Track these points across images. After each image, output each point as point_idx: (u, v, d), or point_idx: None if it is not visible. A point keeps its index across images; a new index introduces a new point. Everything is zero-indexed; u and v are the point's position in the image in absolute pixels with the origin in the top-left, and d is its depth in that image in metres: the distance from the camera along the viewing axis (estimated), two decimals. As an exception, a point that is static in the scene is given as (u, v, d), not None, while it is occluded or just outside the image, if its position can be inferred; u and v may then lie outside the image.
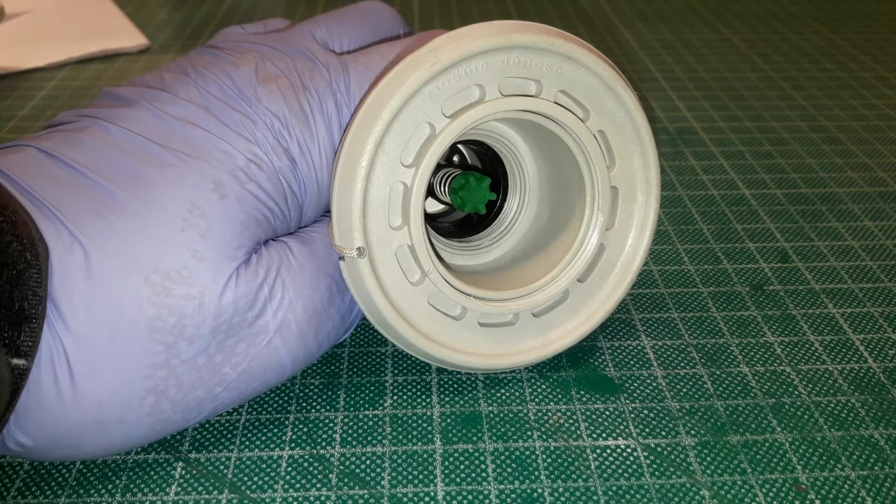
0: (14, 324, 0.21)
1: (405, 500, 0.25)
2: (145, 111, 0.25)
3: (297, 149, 0.26)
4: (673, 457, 0.27)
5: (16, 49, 0.63)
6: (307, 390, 0.29)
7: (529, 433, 0.28)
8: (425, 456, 0.27)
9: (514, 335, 0.29)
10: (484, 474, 0.26)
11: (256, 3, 0.79)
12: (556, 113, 0.27)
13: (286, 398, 0.29)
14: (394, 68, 0.25)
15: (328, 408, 0.29)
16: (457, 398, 0.29)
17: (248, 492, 0.25)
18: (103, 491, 0.25)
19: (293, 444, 0.27)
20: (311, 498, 0.25)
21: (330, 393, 0.29)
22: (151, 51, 0.65)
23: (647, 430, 0.28)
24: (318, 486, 0.26)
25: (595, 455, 0.27)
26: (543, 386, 0.30)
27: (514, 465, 0.26)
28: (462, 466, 0.26)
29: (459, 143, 0.33)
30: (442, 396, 0.29)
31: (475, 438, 0.27)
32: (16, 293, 0.21)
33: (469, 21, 0.72)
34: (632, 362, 0.31)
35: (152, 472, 0.26)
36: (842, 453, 0.27)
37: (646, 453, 0.27)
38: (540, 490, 0.25)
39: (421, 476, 0.26)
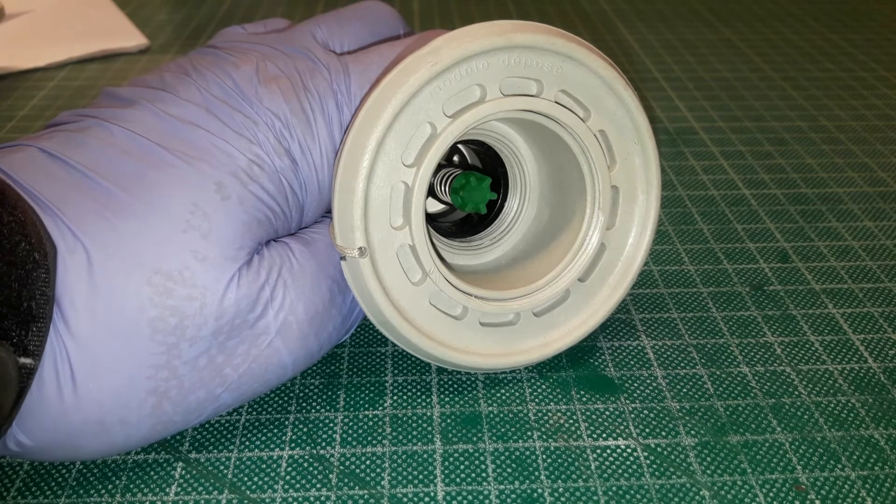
0: (22, 323, 0.21)
1: (405, 500, 0.25)
2: (146, 111, 0.25)
3: (299, 149, 0.26)
4: (673, 457, 0.27)
5: (16, 49, 0.63)
6: (307, 390, 0.29)
7: (529, 433, 0.28)
8: (425, 456, 0.27)
9: (515, 335, 0.29)
10: (484, 474, 0.26)
11: (256, 3, 0.79)
12: (557, 113, 0.27)
13: (286, 398, 0.29)
14: (395, 68, 0.25)
15: (328, 408, 0.29)
16: (457, 398, 0.29)
17: (248, 492, 0.25)
18: (103, 491, 0.25)
19: (293, 444, 0.27)
20: (311, 498, 0.25)
21: (330, 393, 0.29)
22: (151, 51, 0.65)
23: (647, 430, 0.28)
24: (318, 486, 0.26)
25: (595, 455, 0.27)
26: (543, 386, 0.30)
27: (514, 465, 0.26)
28: (462, 466, 0.26)
29: (460, 142, 0.33)
30: (442, 396, 0.29)
31: (475, 438, 0.27)
32: (24, 293, 0.21)
33: (469, 21, 0.72)
34: (632, 362, 0.31)
35: (152, 472, 0.26)
36: (842, 453, 0.27)
37: (646, 453, 0.27)
38: (540, 490, 0.25)
39: (421, 476, 0.26)
